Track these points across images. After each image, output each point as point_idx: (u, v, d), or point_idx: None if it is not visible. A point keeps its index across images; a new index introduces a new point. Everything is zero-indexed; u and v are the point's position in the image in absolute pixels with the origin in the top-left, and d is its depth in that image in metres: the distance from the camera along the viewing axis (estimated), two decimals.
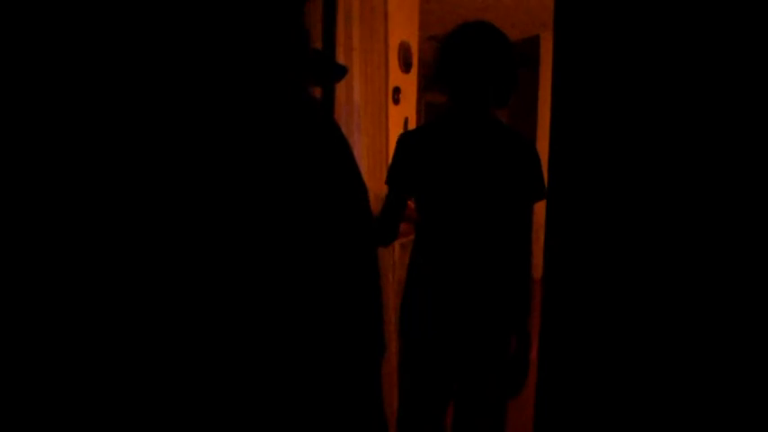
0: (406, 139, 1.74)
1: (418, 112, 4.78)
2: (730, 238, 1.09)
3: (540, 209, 1.53)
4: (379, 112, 2.32)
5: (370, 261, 0.87)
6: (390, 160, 1.79)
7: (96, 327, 0.70)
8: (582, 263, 1.23)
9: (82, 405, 0.70)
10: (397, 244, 3.26)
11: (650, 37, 1.15)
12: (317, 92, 2.04)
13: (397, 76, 3.90)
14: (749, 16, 1.05)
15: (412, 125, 4.22)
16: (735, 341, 1.08)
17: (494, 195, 1.67)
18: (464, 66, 1.65)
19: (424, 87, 4.61)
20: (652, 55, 1.14)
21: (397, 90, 3.93)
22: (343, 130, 2.37)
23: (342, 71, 0.92)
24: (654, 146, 1.15)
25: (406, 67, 4.09)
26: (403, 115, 4.08)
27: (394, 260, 3.10)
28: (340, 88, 2.12)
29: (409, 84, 4.16)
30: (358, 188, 0.87)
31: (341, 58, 2.09)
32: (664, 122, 1.14)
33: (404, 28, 4.04)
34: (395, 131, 2.77)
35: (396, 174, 1.73)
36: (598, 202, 1.21)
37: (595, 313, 1.21)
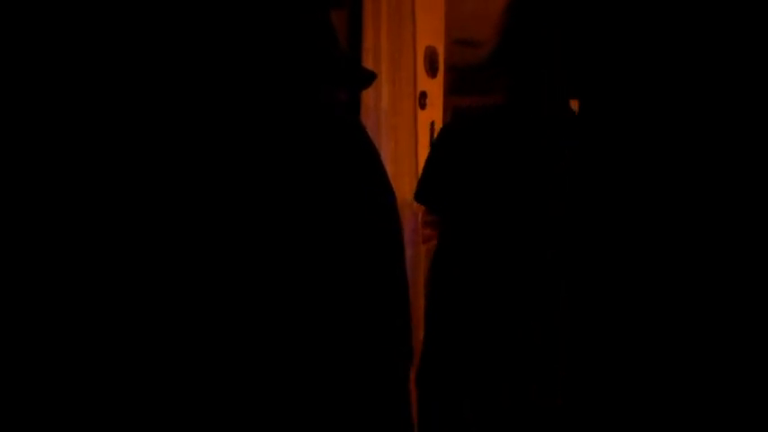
0: (447, 139, 1.46)
1: (445, 115, 4.77)
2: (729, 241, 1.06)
3: None
4: (407, 117, 2.32)
5: (397, 267, 0.86)
6: (422, 168, 1.55)
7: (97, 327, 0.70)
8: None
9: (81, 405, 0.70)
10: (424, 248, 3.25)
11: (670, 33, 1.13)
12: (344, 97, 2.04)
13: (423, 81, 3.89)
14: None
15: (438, 129, 4.21)
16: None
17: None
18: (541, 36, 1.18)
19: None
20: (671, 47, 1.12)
21: (423, 95, 3.92)
22: (371, 135, 2.38)
23: (370, 77, 0.91)
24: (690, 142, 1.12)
25: (432, 71, 4.08)
26: (429, 119, 4.07)
27: (422, 264, 3.09)
28: (367, 93, 2.12)
29: (436, 88, 4.15)
30: (385, 193, 0.87)
31: (369, 64, 2.10)
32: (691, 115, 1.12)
33: (430, 32, 4.03)
34: (422, 136, 2.76)
35: (431, 189, 1.47)
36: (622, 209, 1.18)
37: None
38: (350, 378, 0.76)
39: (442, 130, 1.57)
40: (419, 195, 1.53)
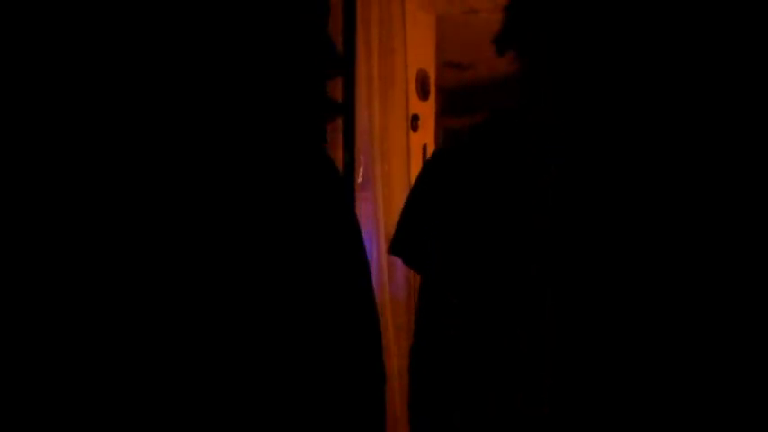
0: (436, 171, 1.24)
1: (437, 138, 4.79)
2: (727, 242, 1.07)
3: None
4: (399, 141, 2.33)
5: (365, 300, 0.86)
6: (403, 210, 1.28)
7: (96, 327, 0.70)
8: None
9: (81, 405, 0.70)
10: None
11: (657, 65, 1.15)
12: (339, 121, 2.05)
13: (415, 104, 3.92)
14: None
15: (431, 152, 4.23)
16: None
17: None
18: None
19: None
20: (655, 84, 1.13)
21: (415, 117, 3.95)
22: (364, 158, 2.39)
23: (336, 108, 0.92)
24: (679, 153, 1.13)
25: (423, 94, 4.11)
26: (422, 142, 4.09)
27: (415, 285, 3.08)
28: (361, 117, 2.14)
29: (427, 111, 4.18)
30: (349, 221, 0.87)
31: (361, 88, 2.11)
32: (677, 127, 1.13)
33: (421, 56, 4.07)
34: (415, 159, 2.78)
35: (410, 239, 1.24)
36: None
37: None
38: (325, 400, 0.76)
39: (422, 169, 1.36)
40: (395, 246, 1.25)
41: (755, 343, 1.03)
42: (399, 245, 1.28)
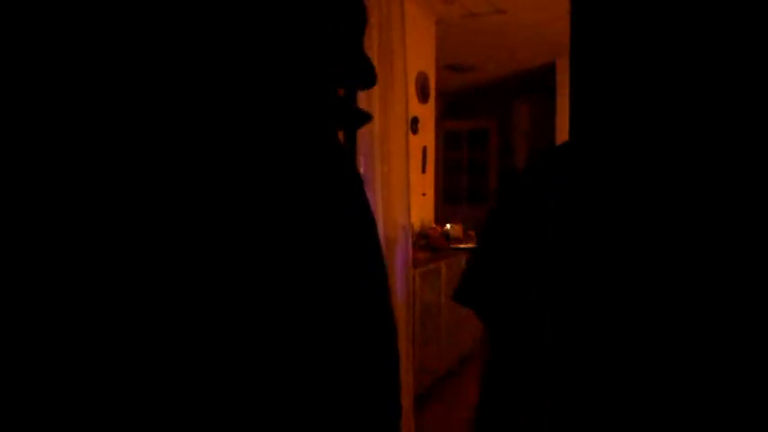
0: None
1: (437, 140, 4.81)
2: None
3: None
4: (399, 143, 2.35)
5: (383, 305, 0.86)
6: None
7: (95, 327, 0.70)
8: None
9: (81, 405, 0.70)
10: (417, 272, 3.26)
11: (666, 63, 1.16)
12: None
13: (415, 106, 3.94)
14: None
15: (430, 153, 4.25)
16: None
17: None
18: None
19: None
20: (667, 80, 1.15)
21: (415, 120, 3.97)
22: (365, 160, 2.41)
23: (365, 118, 0.93)
24: (675, 168, 1.15)
25: (423, 97, 4.14)
26: (422, 144, 4.11)
27: (414, 289, 3.09)
28: None
29: (427, 113, 4.21)
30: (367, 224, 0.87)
31: (361, 93, 2.13)
32: (683, 143, 1.14)
33: (421, 59, 4.09)
34: (414, 161, 2.79)
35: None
36: (626, 230, 1.20)
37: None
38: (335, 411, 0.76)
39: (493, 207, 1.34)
40: (462, 294, 1.26)
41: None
42: (470, 294, 1.31)
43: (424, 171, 4.14)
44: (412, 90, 4.12)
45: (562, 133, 5.79)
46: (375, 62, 2.28)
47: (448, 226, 4.15)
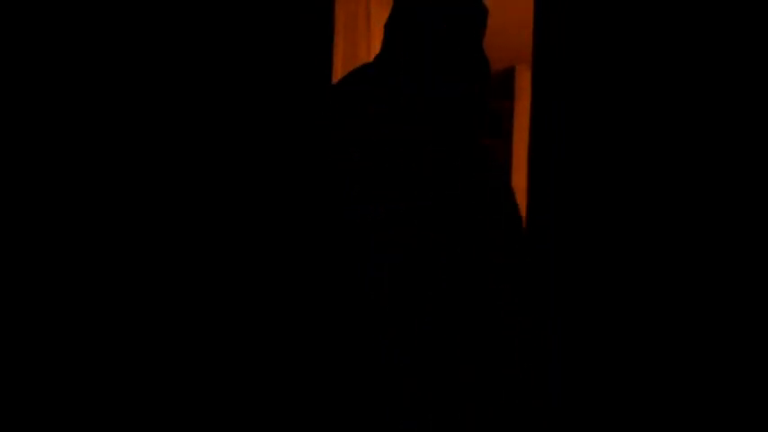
0: None
1: None
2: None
3: None
4: None
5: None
6: None
7: (94, 326, 0.70)
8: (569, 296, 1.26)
9: (80, 404, 0.71)
10: None
11: (627, 72, 1.20)
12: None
13: None
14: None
15: None
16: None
17: None
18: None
19: None
20: (628, 88, 1.19)
21: None
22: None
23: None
24: (635, 172, 1.18)
25: None
26: None
27: None
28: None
29: None
30: None
31: None
32: (643, 148, 1.18)
33: None
34: None
35: None
36: (585, 232, 1.24)
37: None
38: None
39: None
40: None
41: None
42: None
43: None
44: None
45: (520, 138, 5.87)
46: (338, 63, 2.28)
47: None
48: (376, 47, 2.59)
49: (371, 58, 2.54)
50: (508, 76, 5.79)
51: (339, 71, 2.22)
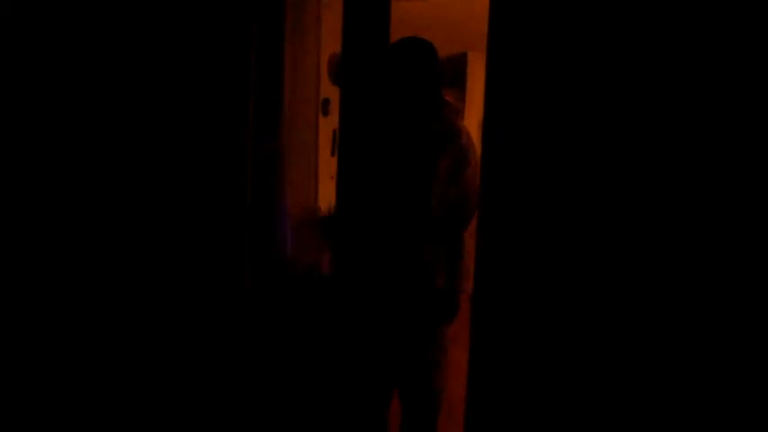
0: None
1: None
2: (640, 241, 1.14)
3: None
4: (307, 123, 2.30)
5: None
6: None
7: (93, 326, 0.69)
8: (512, 270, 1.27)
9: (79, 403, 0.70)
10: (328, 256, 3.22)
11: (580, 58, 1.19)
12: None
13: (327, 88, 3.88)
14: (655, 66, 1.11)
15: None
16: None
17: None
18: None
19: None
20: (580, 74, 1.18)
21: (326, 101, 3.91)
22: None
23: None
24: (582, 157, 1.18)
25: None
26: (332, 127, 4.05)
27: None
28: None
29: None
30: None
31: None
32: (595, 133, 1.18)
33: (337, 40, 4.03)
34: (324, 143, 2.75)
35: None
36: (531, 214, 1.24)
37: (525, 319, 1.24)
38: None
39: None
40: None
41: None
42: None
43: (333, 154, 4.09)
44: (324, 71, 4.05)
45: (471, 122, 5.93)
46: (285, 40, 2.22)
47: None
48: (327, 25, 2.53)
49: (321, 36, 2.48)
50: (461, 61, 5.82)
51: (288, 58, 2.16)
